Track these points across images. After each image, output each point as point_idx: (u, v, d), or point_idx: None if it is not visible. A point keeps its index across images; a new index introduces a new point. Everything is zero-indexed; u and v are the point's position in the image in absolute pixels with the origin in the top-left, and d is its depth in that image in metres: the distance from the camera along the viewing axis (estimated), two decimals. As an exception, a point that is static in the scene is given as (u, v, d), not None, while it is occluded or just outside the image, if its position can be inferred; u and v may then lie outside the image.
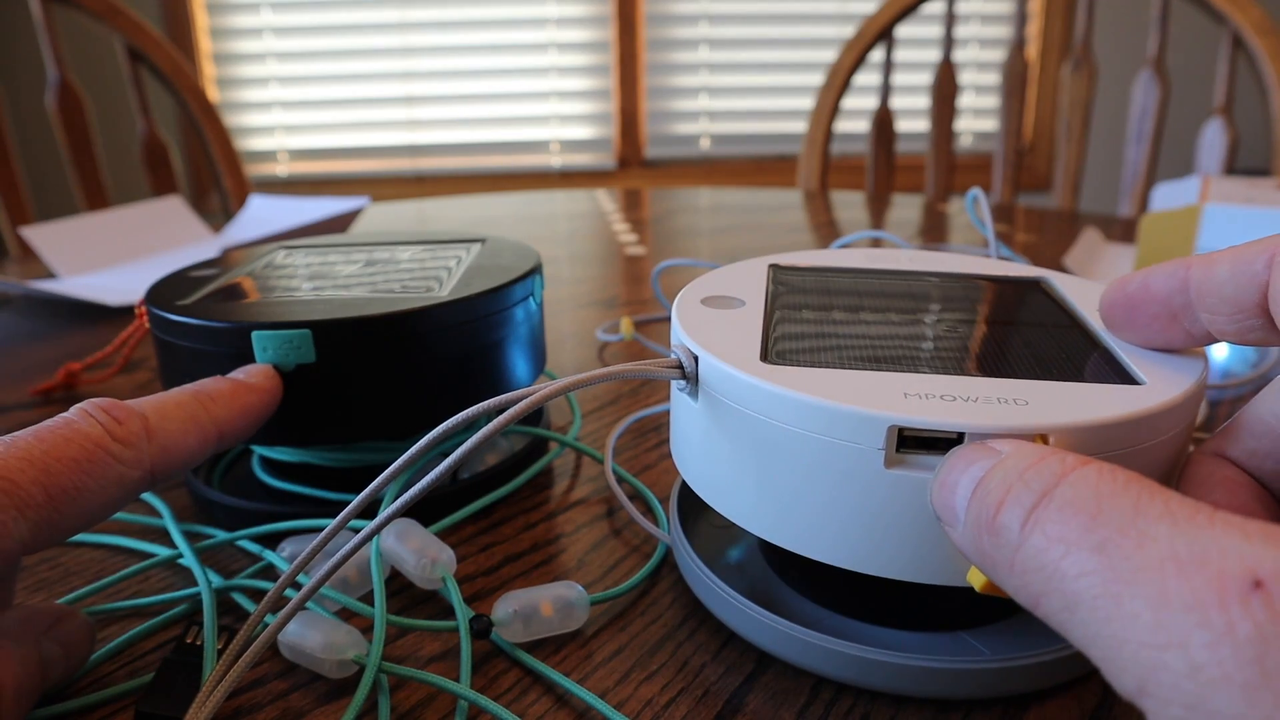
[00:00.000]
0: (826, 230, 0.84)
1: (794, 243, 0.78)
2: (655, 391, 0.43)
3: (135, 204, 0.78)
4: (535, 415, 0.37)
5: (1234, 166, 0.96)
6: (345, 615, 0.26)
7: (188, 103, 1.08)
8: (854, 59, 1.13)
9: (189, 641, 0.23)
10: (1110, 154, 2.14)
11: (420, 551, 0.26)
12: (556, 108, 2.11)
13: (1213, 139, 0.97)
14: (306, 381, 0.28)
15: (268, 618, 0.24)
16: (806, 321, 0.25)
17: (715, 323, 0.24)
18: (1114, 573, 0.13)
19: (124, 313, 0.59)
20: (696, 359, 0.22)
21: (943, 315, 0.26)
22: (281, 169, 2.08)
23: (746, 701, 0.22)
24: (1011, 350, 0.23)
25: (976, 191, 0.39)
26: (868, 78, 1.28)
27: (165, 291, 0.31)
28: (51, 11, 0.99)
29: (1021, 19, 1.12)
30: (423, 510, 0.30)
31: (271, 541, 0.30)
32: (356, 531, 0.28)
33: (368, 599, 0.26)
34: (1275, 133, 0.93)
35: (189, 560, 0.27)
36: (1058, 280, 0.29)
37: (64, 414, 0.22)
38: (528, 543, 0.30)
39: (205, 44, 2.00)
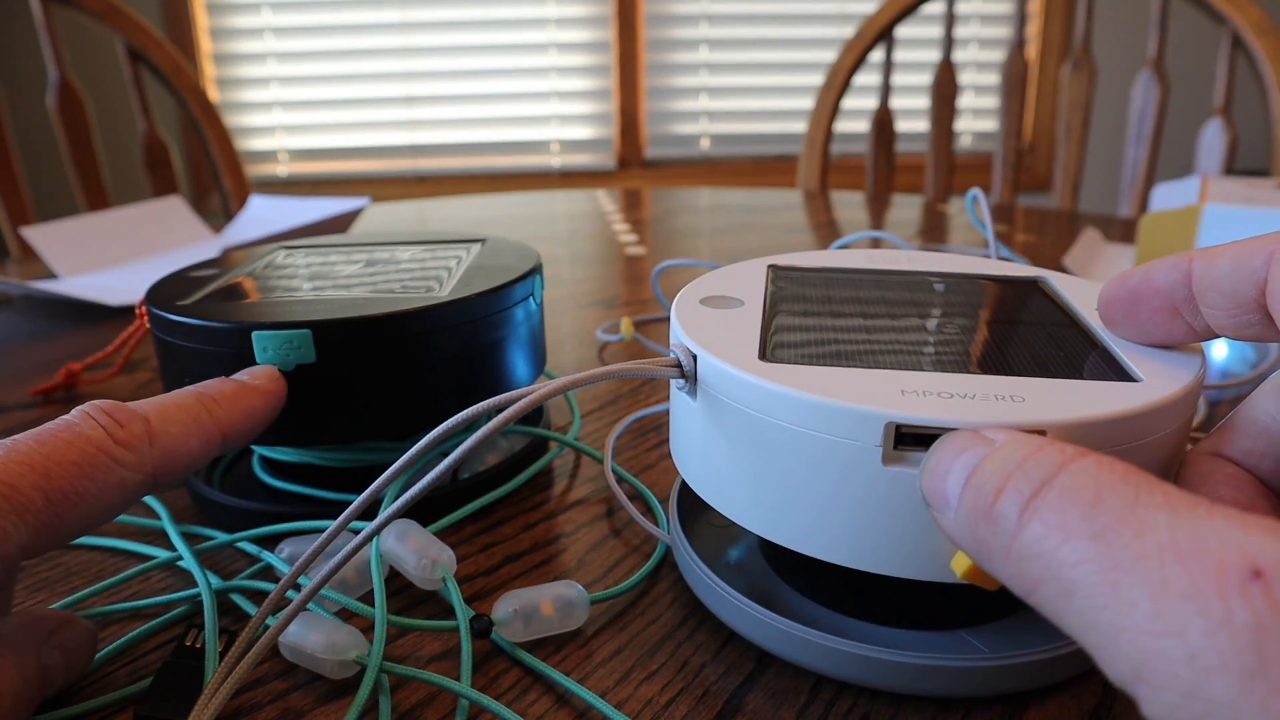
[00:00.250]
0: (826, 230, 0.84)
1: (794, 243, 0.78)
2: (655, 391, 0.43)
3: (135, 204, 0.78)
4: (535, 415, 0.37)
5: (1233, 167, 0.97)
6: (345, 616, 0.26)
7: (188, 103, 1.08)
8: (854, 59, 1.13)
9: (188, 644, 0.23)
10: (1110, 154, 2.14)
11: (421, 552, 0.26)
12: (556, 108, 2.11)
13: (1212, 139, 0.97)
14: (306, 382, 0.28)
15: (268, 619, 0.24)
16: (805, 321, 0.25)
17: (714, 322, 0.24)
18: (1112, 561, 0.13)
19: (124, 313, 0.59)
20: (695, 358, 0.23)
21: (940, 314, 0.26)
22: (282, 169, 2.08)
23: (746, 701, 0.22)
24: (1009, 348, 0.23)
25: (976, 192, 0.39)
26: (868, 78, 1.28)
27: (165, 291, 0.31)
28: (52, 11, 1.00)
29: (1021, 19, 1.12)
30: (422, 510, 0.30)
31: (270, 543, 0.30)
32: (356, 532, 0.28)
33: (366, 599, 0.26)
34: (1275, 133, 0.93)
35: (189, 563, 0.27)
36: (1055, 280, 0.29)
37: (65, 416, 0.21)
38: (527, 542, 0.30)
39: (205, 44, 2.00)
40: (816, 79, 2.09)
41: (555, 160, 2.14)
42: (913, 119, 1.94)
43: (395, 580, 0.28)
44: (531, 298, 0.33)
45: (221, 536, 0.29)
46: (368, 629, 0.25)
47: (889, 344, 0.23)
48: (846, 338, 0.23)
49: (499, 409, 0.20)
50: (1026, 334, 0.24)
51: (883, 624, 0.24)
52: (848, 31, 2.06)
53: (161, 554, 0.29)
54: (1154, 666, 0.12)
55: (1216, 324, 0.20)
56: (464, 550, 0.29)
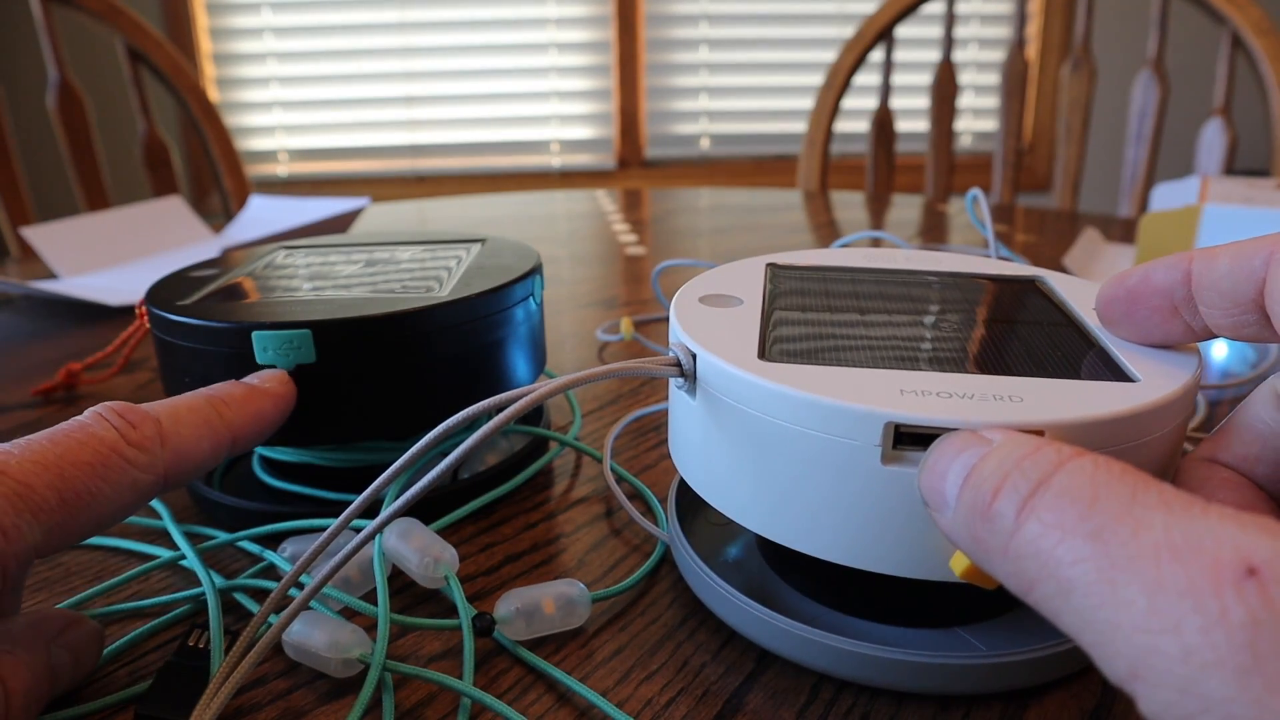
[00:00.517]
0: (826, 230, 0.85)
1: (794, 243, 0.79)
2: (654, 391, 0.43)
3: (135, 204, 0.78)
4: (535, 415, 0.37)
5: (1233, 167, 0.97)
6: (347, 614, 0.26)
7: (188, 103, 1.08)
8: (854, 59, 1.13)
9: (191, 645, 0.23)
10: (1110, 154, 2.14)
11: (424, 550, 0.26)
12: (556, 108, 2.11)
13: (1212, 139, 0.97)
14: (306, 381, 0.28)
15: (271, 617, 0.24)
16: (804, 320, 0.25)
17: (713, 321, 0.24)
18: (1109, 559, 0.13)
19: (124, 313, 0.59)
20: (694, 357, 0.23)
21: (939, 314, 0.26)
22: (282, 169, 2.09)
23: (747, 701, 0.23)
24: (1007, 348, 0.23)
25: (976, 192, 0.39)
26: (868, 78, 1.28)
27: (165, 291, 0.31)
28: (52, 11, 1.00)
29: (1021, 19, 1.12)
30: (423, 510, 0.31)
31: (272, 542, 0.30)
32: (358, 531, 0.28)
33: (369, 598, 0.26)
34: (1275, 133, 0.93)
35: (192, 562, 0.27)
36: (1053, 279, 0.29)
37: (78, 417, 0.21)
38: (528, 542, 0.30)
39: (205, 44, 2.00)
40: (816, 79, 2.09)
41: (555, 160, 2.14)
42: (913, 119, 1.94)
43: (396, 580, 0.28)
44: (531, 298, 0.33)
45: (223, 536, 0.29)
46: (369, 627, 0.25)
47: (888, 343, 0.23)
48: (845, 337, 0.23)
49: (499, 408, 0.20)
50: (1025, 334, 0.24)
51: (881, 622, 0.24)
52: (848, 31, 2.06)
53: (163, 553, 0.29)
54: (1150, 664, 0.12)
55: (1215, 324, 0.20)
56: (464, 550, 0.30)
